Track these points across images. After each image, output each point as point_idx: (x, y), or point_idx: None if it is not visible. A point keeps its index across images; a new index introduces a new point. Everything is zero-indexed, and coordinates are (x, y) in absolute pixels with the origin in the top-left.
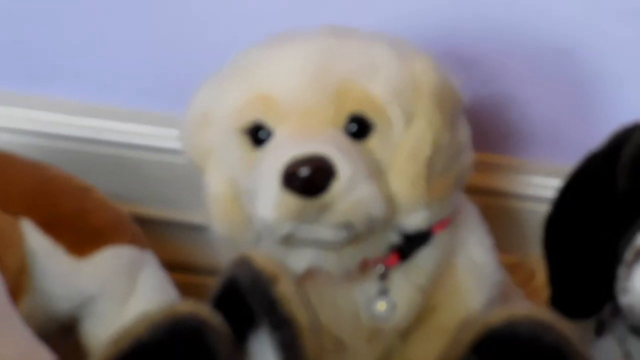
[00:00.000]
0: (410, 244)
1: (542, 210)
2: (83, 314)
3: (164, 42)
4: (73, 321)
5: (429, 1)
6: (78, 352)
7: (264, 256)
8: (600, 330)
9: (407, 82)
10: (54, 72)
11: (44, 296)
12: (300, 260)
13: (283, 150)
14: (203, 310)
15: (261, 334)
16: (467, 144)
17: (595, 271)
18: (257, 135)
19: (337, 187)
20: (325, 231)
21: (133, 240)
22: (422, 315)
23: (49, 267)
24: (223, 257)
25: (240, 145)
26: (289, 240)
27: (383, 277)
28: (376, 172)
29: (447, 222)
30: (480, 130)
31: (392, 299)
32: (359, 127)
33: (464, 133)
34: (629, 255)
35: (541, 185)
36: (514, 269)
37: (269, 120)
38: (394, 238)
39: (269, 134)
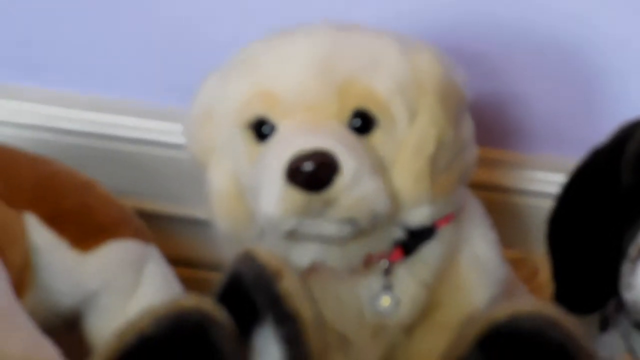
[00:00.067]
0: (414, 240)
1: (546, 205)
2: (87, 308)
3: (169, 37)
4: (77, 316)
5: None
6: (82, 346)
7: (268, 251)
8: (604, 325)
9: (411, 78)
10: (58, 66)
11: (48, 291)
12: (304, 255)
13: (287, 145)
14: (207, 304)
15: (265, 329)
16: (471, 140)
17: (599, 267)
18: (261, 130)
19: (341, 182)
20: (329, 226)
21: (137, 235)
22: (426, 310)
23: (52, 261)
24: (227, 252)
25: (244, 141)
26: (292, 236)
27: (387, 272)
28: (380, 168)
29: (451, 217)
30: (484, 126)
31: (396, 295)
32: (363, 123)
33: (468, 129)
34: (633, 250)
35: (545, 181)
36: (517, 264)
37: (272, 115)
38: (398, 233)
39: (272, 129)
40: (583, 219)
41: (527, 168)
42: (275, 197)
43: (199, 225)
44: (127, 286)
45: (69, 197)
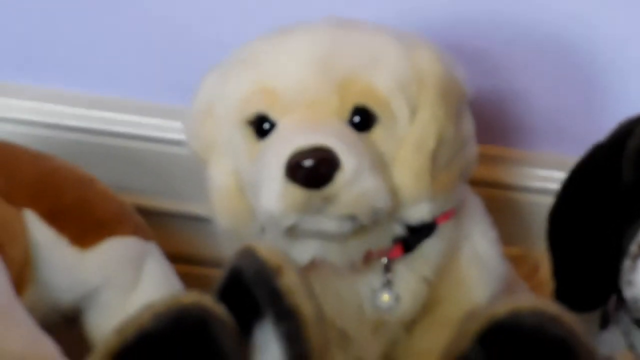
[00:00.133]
0: (414, 236)
1: (547, 202)
2: (87, 305)
3: (169, 35)
4: (77, 312)
5: None
6: (82, 343)
7: (268, 247)
8: (604, 322)
9: (411, 74)
10: (58, 64)
11: (48, 287)
12: (304, 251)
13: (287, 141)
14: (207, 300)
15: (265, 325)
16: (471, 137)
17: (599, 264)
18: (261, 127)
19: (341, 179)
20: (329, 223)
21: (137, 232)
22: (426, 307)
23: (52, 258)
24: (227, 248)
25: (244, 137)
26: (293, 232)
27: (387, 269)
28: (380, 165)
29: (451, 213)
30: (485, 123)
31: (396, 291)
32: (363, 119)
33: (469, 126)
34: (633, 247)
35: (545, 178)
36: (518, 261)
37: (272, 112)
38: (398, 230)
39: (272, 126)
40: (583, 216)
41: (528, 165)
42: (275, 193)
43: (199, 221)
44: (127, 283)
45: (69, 193)
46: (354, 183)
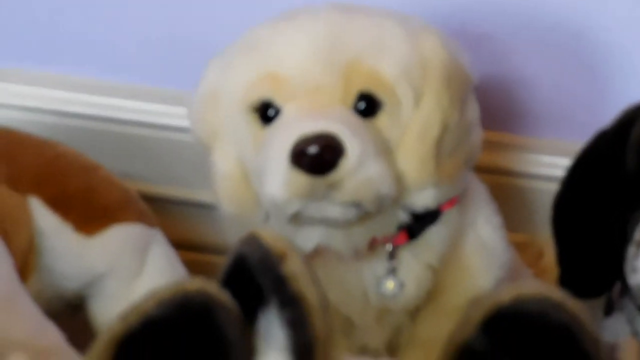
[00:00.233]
0: (419, 223)
1: (551, 189)
2: (91, 292)
3: (174, 20)
4: (81, 299)
5: None
6: (86, 330)
7: (273, 234)
8: (609, 309)
9: (416, 60)
10: (63, 50)
11: (52, 274)
12: (308, 238)
13: (292, 128)
14: (212, 287)
15: (270, 311)
16: (476, 123)
17: (604, 250)
18: (266, 113)
19: (346, 165)
20: (334, 209)
21: (141, 218)
22: (431, 294)
23: (57, 245)
24: (231, 235)
25: (249, 124)
26: (297, 219)
27: (392, 256)
28: (385, 151)
29: (455, 200)
30: (490, 109)
31: (400, 278)
32: (368, 105)
33: (473, 112)
34: (637, 234)
35: (550, 164)
36: (522, 248)
37: (277, 98)
38: (403, 217)
39: (277, 112)
40: (588, 202)
41: (532, 151)
42: (280, 180)
43: (204, 208)
44: (131, 270)
45: (73, 180)
46: (358, 169)
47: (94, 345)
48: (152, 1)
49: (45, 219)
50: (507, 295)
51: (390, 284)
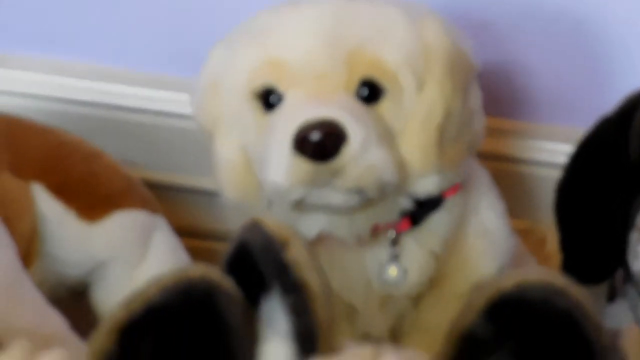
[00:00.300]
0: (421, 209)
1: (554, 175)
2: (94, 278)
3: (178, 6)
4: (84, 286)
5: None
6: (89, 316)
7: (275, 221)
8: (611, 296)
9: (419, 47)
10: (65, 37)
11: (55, 261)
12: (311, 225)
13: (294, 114)
14: (215, 273)
15: (272, 298)
16: (479, 110)
17: (606, 236)
18: (268, 99)
19: (349, 152)
20: (336, 196)
21: (144, 205)
22: (434, 281)
23: (60, 231)
24: (234, 222)
25: (251, 110)
26: (300, 206)
27: (394, 242)
28: (387, 138)
29: (458, 187)
30: (492, 96)
31: (403, 265)
32: (371, 92)
33: (476, 99)
34: None
35: (553, 151)
36: (525, 234)
37: (280, 85)
38: (406, 203)
39: (279, 99)
40: (591, 188)
41: (535, 138)
42: (282, 167)
43: (207, 195)
44: (134, 256)
45: (76, 167)
46: (361, 156)
47: (96, 331)
48: None
49: (48, 206)
50: (509, 281)
51: (393, 271)
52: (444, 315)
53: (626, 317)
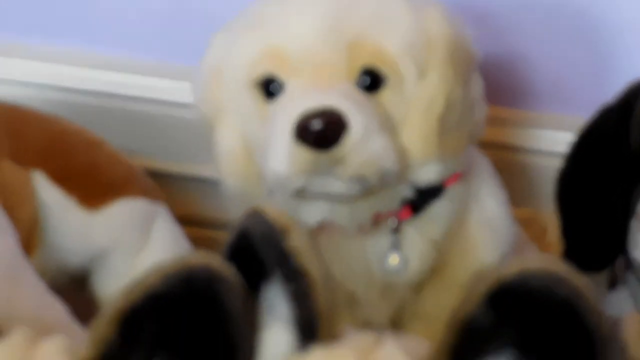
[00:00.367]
0: (422, 198)
1: (555, 164)
2: (95, 266)
3: None
4: (85, 274)
5: None
6: (90, 304)
7: (276, 209)
8: (613, 284)
9: (420, 36)
10: (66, 25)
11: (57, 249)
12: (312, 214)
13: (295, 103)
14: (216, 261)
15: (273, 286)
16: (480, 99)
17: (607, 225)
18: (269, 88)
19: (350, 141)
20: (337, 184)
21: (145, 193)
22: (435, 270)
23: (61, 220)
24: (235, 211)
25: (252, 99)
26: (301, 194)
27: (396, 231)
28: (389, 126)
29: (459, 175)
30: (493, 85)
31: (404, 253)
32: (372, 81)
33: (477, 88)
34: None
35: (554, 140)
36: (526, 223)
37: (281, 74)
38: (407, 192)
39: (280, 87)
40: (592, 177)
41: (536, 127)
42: (283, 155)
43: (208, 184)
44: (135, 244)
45: (77, 155)
46: (362, 144)
47: (97, 319)
48: None
49: (49, 194)
50: (511, 269)
51: (394, 259)
52: (445, 304)
53: (627, 305)
